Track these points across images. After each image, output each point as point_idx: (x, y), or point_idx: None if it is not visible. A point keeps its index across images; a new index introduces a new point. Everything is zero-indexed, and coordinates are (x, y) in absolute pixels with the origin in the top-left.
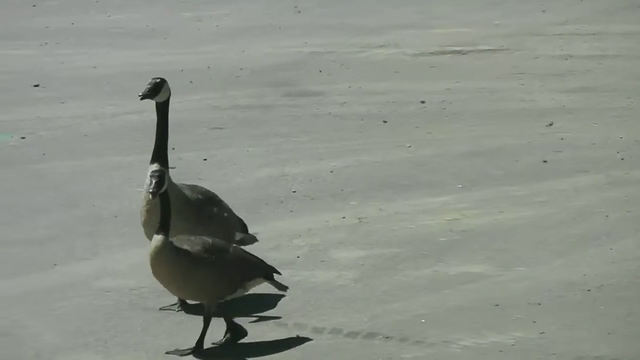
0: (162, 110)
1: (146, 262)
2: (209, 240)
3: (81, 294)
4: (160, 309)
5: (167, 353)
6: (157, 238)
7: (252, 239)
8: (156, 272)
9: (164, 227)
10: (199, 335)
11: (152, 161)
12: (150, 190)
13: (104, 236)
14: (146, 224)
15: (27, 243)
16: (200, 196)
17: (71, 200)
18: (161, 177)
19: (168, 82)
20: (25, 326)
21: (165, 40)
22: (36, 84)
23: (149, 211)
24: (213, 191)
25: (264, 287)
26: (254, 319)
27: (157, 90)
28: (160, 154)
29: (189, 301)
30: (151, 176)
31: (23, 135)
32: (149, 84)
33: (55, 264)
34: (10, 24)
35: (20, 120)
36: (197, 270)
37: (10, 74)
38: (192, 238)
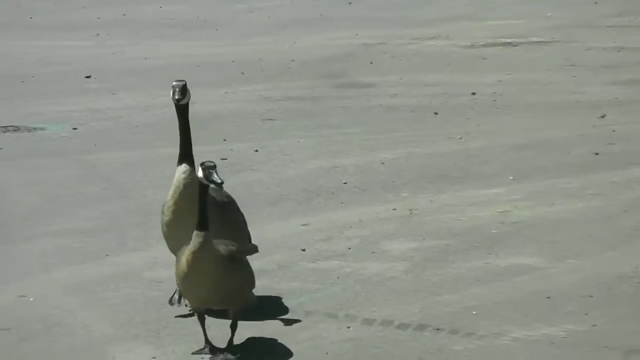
0: (185, 111)
1: (183, 259)
2: (236, 243)
3: (133, 284)
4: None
5: (193, 353)
6: (200, 234)
7: (254, 249)
8: (197, 271)
9: (203, 224)
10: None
11: (180, 162)
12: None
13: (155, 227)
14: (170, 225)
15: (78, 233)
16: (225, 199)
17: (122, 191)
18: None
19: (220, 72)
20: (77, 317)
21: (216, 31)
22: (88, 75)
23: (174, 211)
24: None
25: (315, 280)
26: (306, 310)
27: (185, 92)
28: (187, 154)
29: (214, 308)
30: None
31: (75, 126)
32: (177, 88)
33: (107, 255)
34: (63, 15)
35: (72, 111)
36: (236, 271)
37: (62, 65)
38: (221, 240)
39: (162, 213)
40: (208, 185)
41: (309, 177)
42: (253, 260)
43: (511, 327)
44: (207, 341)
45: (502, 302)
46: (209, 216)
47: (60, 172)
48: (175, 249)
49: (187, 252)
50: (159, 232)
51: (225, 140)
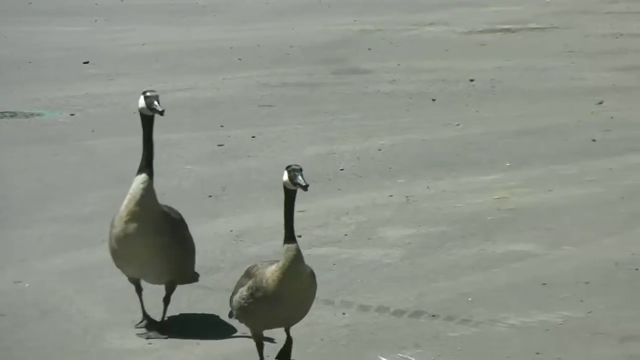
0: (152, 122)
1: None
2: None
3: None
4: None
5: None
6: (292, 247)
7: (195, 278)
8: (307, 297)
9: (292, 236)
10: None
11: (140, 172)
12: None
13: None
14: (120, 239)
15: (76, 219)
16: (177, 216)
17: (120, 177)
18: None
19: (218, 58)
20: (73, 302)
21: (214, 17)
22: (86, 61)
23: (127, 222)
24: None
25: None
26: None
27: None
28: (148, 164)
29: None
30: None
31: (72, 112)
32: (155, 98)
33: (104, 240)
34: (61, 1)
35: (70, 97)
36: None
37: (60, 51)
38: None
39: (112, 225)
40: (295, 191)
41: (306, 163)
42: (249, 248)
43: (507, 313)
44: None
45: (498, 289)
46: (162, 230)
47: (58, 158)
48: (125, 268)
49: (281, 267)
50: None
51: (222, 126)
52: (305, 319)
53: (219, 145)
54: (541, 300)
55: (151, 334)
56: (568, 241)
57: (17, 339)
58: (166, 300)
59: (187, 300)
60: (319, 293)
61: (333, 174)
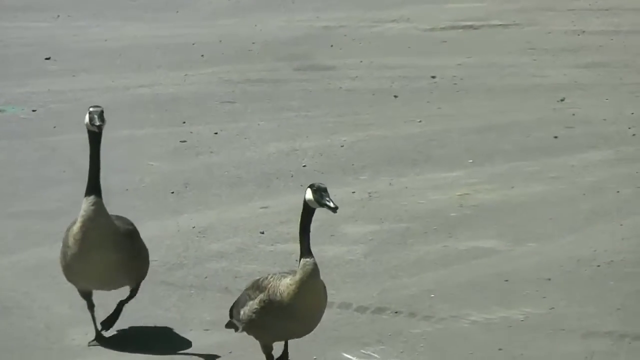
0: (99, 139)
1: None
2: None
3: None
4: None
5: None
6: (310, 261)
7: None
8: (321, 311)
9: (308, 250)
10: (207, 308)
11: (88, 193)
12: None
13: (114, 209)
14: (76, 259)
15: (38, 215)
16: (130, 227)
17: (82, 173)
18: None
19: (180, 55)
20: (36, 299)
21: (177, 13)
22: (48, 56)
23: (82, 243)
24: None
25: (274, 262)
26: None
27: (104, 118)
28: (96, 185)
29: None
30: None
31: (34, 108)
32: (96, 114)
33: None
34: None
35: (32, 92)
36: None
37: (23, 46)
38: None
39: (66, 245)
40: (314, 210)
41: (268, 160)
42: (212, 244)
43: (469, 310)
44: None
45: (461, 285)
46: (120, 247)
47: (20, 154)
48: (81, 284)
49: (297, 281)
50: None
51: (184, 122)
52: None
53: (181, 142)
54: (503, 297)
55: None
56: (530, 238)
57: None
58: (127, 301)
59: (150, 297)
60: None
61: (295, 171)
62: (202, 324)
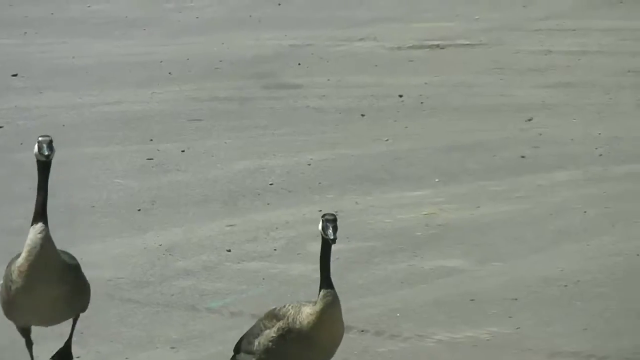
0: (48, 168)
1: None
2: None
3: None
4: None
5: None
6: (330, 292)
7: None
8: (339, 341)
9: (329, 281)
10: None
11: (35, 221)
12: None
13: (81, 227)
14: (21, 292)
15: (4, 232)
16: (74, 262)
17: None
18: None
19: (147, 72)
20: (1, 315)
21: (144, 31)
22: (14, 73)
23: (28, 275)
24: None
25: (240, 281)
26: (231, 311)
27: (53, 148)
28: (43, 213)
29: None
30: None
31: (1, 125)
32: (44, 143)
33: None
34: None
35: None
36: None
37: None
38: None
39: (9, 280)
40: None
41: (235, 177)
42: (178, 262)
43: (435, 329)
44: None
45: (427, 304)
46: (65, 280)
47: None
48: (25, 319)
49: (318, 311)
50: (84, 232)
51: (151, 140)
52: (235, 334)
53: (148, 159)
54: (469, 316)
55: None
56: (496, 257)
57: None
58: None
59: (116, 314)
60: (247, 308)
61: (262, 189)
62: (169, 342)
